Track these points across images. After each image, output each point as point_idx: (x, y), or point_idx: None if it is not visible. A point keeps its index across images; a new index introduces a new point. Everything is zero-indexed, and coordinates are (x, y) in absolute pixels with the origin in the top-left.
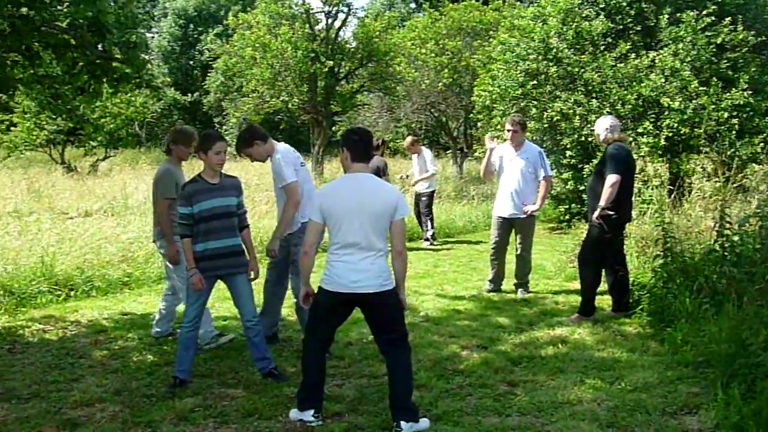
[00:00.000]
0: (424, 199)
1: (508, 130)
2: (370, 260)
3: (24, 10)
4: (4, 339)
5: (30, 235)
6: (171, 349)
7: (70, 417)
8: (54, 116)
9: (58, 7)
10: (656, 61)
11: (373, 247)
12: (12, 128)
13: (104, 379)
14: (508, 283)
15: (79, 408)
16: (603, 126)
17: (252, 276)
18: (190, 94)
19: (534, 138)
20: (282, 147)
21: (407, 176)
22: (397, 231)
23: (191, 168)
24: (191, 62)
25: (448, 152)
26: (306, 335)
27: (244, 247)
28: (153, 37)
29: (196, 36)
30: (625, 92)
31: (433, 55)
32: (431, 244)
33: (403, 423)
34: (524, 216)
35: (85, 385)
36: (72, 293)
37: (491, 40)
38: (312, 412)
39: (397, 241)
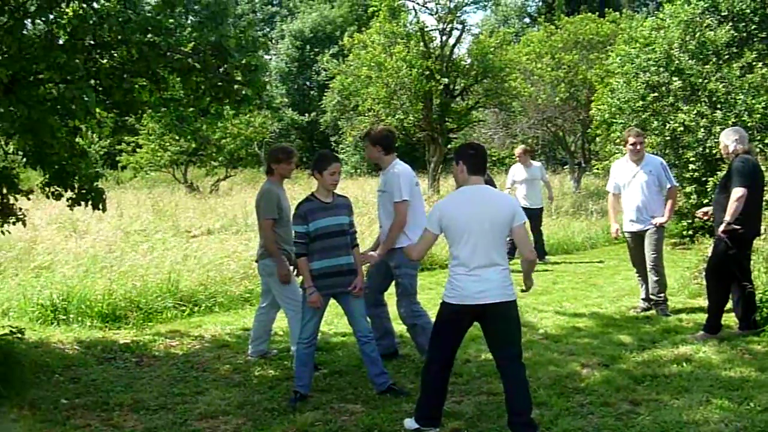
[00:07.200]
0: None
1: (633, 143)
2: (495, 270)
3: (150, 36)
4: (132, 352)
5: (156, 252)
6: (291, 364)
7: (195, 429)
8: (177, 138)
9: (183, 33)
10: None
11: (496, 256)
12: (138, 150)
13: (227, 393)
14: (629, 300)
15: (204, 420)
16: (731, 137)
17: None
18: (307, 114)
19: (655, 152)
20: (401, 165)
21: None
22: (521, 238)
23: (297, 186)
24: (308, 83)
25: (565, 167)
26: (428, 355)
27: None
28: (271, 59)
29: (312, 57)
30: (753, 102)
31: (549, 69)
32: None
33: None
34: (652, 229)
35: (210, 398)
36: (196, 309)
37: (608, 53)
38: (435, 430)
39: (524, 247)
